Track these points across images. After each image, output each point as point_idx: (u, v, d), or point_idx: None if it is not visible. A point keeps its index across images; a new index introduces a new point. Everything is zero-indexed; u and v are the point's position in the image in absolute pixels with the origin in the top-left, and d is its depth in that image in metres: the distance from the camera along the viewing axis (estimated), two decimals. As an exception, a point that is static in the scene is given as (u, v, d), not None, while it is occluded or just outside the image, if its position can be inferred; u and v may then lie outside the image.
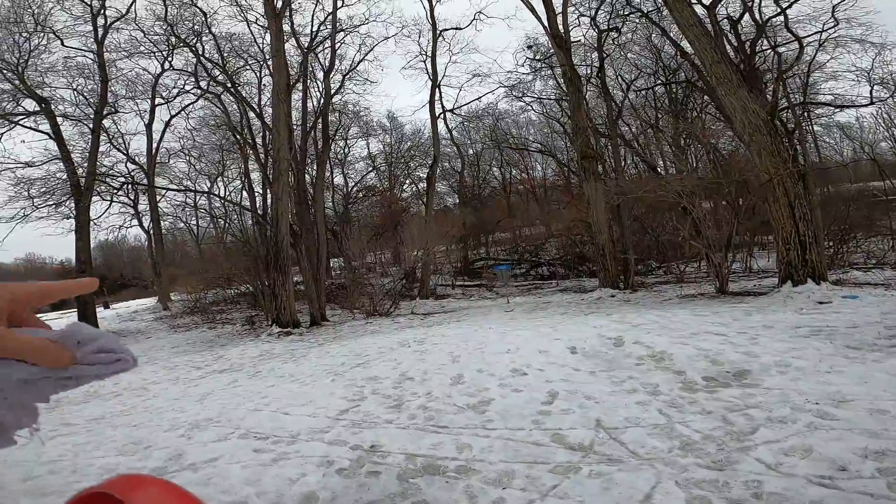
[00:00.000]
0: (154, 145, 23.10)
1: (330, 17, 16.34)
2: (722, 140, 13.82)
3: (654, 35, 17.30)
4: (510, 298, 14.98)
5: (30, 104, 16.38)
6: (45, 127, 16.51)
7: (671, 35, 15.31)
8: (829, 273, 8.82)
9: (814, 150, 17.61)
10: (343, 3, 16.54)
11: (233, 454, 3.72)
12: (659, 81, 18.80)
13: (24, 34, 15.90)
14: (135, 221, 25.05)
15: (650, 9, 15.37)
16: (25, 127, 16.49)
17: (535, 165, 36.51)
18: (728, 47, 11.97)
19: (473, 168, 31.96)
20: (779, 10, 13.21)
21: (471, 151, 31.10)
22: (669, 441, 3.18)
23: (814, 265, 8.08)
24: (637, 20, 16.31)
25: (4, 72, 15.53)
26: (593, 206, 13.22)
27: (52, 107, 16.55)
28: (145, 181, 21.98)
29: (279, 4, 13.07)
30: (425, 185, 21.70)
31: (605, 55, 16.35)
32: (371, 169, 30.30)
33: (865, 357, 4.25)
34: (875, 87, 13.96)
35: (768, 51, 14.24)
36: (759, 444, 2.97)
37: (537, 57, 19.76)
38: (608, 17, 16.14)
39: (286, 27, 14.25)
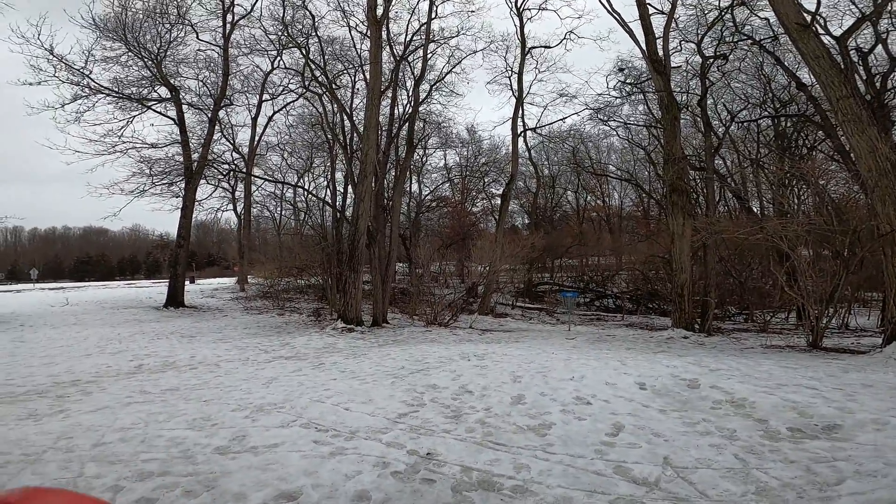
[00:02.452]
0: (256, 138, 25.16)
1: (424, 27, 16.92)
2: (833, 182, 12.54)
3: (765, 64, 16.04)
4: (572, 326, 14.51)
5: (163, 92, 18.38)
6: (172, 113, 18.46)
7: (786, 64, 14.20)
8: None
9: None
10: (436, 14, 17.04)
11: (294, 442, 3.83)
12: (766, 113, 17.41)
13: (167, 25, 17.83)
14: (230, 206, 27.34)
15: (763, 36, 14.30)
16: (156, 111, 18.45)
17: (613, 193, 35.45)
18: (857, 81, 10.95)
19: (548, 190, 31.54)
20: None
21: (546, 172, 30.75)
22: (744, 485, 3.01)
23: (925, 327, 7.15)
24: (747, 48, 15.27)
25: (146, 59, 17.51)
26: (677, 242, 12.48)
27: (181, 95, 18.49)
28: (245, 170, 23.88)
29: (380, 13, 13.75)
30: (499, 201, 21.68)
31: (708, 83, 15.41)
32: (446, 180, 30.84)
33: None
34: None
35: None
36: (844, 495, 2.79)
37: (629, 80, 19.09)
38: (714, 43, 15.26)
39: (383, 35, 14.90)
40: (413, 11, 17.23)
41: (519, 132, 20.01)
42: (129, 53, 17.18)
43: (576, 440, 3.80)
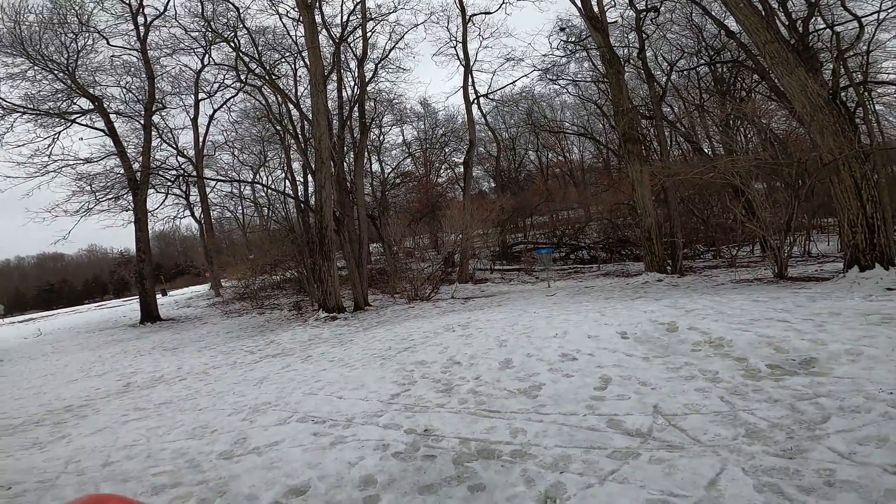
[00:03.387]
0: (200, 139, 24.05)
1: (359, 6, 16.35)
2: (774, 120, 13.08)
3: (694, 14, 16.45)
4: (551, 282, 14.81)
5: (84, 103, 17.23)
6: (100, 124, 17.39)
7: (713, 14, 14.57)
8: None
9: (877, 129, 16.36)
10: (369, -10, 16.54)
11: (293, 437, 3.86)
12: (703, 61, 17.89)
13: (70, 34, 16.55)
14: (187, 212, 26.24)
15: (689, -13, 14.61)
16: (81, 125, 17.43)
17: (572, 148, 35.75)
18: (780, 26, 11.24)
19: (509, 152, 31.55)
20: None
21: (505, 135, 30.72)
22: (734, 428, 3.09)
23: (882, 249, 7.60)
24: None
25: (55, 72, 16.32)
26: (638, 188, 12.83)
27: (105, 105, 17.38)
28: (195, 173, 22.93)
29: (310, -4, 13.13)
30: (462, 169, 21.65)
31: (644, 36, 15.69)
32: (407, 155, 30.46)
33: (942, 345, 3.96)
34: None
35: (824, 30, 13.32)
36: (832, 433, 2.85)
37: (571, 39, 19.24)
38: (645, -4, 15.42)
39: (317, 18, 14.32)
40: (345, -9, 16.59)
41: (472, 100, 19.97)
42: (36, 67, 16.12)
43: (566, 398, 3.91)
